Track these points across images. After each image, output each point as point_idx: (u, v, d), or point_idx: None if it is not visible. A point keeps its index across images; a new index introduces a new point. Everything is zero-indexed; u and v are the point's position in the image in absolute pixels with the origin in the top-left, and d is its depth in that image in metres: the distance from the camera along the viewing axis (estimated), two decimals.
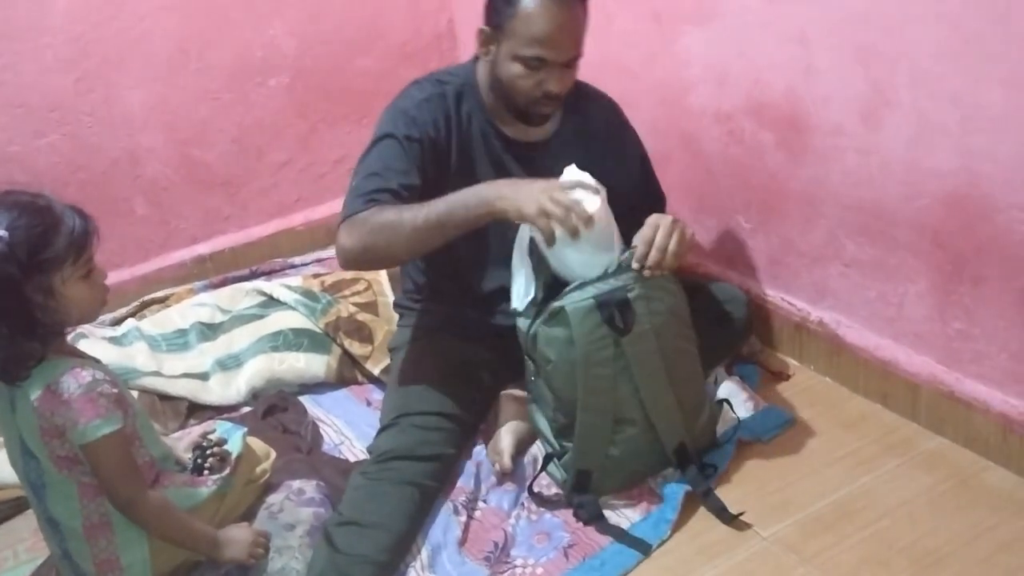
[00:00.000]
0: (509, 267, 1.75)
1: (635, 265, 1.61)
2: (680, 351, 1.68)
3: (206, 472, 1.57)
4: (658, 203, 1.99)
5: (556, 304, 1.62)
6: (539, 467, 1.78)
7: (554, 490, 1.76)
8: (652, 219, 1.65)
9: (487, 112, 1.82)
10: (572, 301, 1.60)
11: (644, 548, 1.62)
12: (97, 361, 1.47)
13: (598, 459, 1.69)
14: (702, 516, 1.70)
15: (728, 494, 1.72)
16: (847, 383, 2.00)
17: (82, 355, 1.46)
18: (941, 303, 1.77)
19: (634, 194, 1.88)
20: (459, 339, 1.89)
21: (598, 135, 1.89)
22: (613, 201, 1.65)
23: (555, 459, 1.74)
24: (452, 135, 1.80)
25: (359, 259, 1.70)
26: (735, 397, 1.90)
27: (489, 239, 1.82)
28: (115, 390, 1.41)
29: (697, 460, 1.74)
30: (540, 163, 1.80)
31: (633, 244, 1.64)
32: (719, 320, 1.91)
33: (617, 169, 1.84)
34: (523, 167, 1.82)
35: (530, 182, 1.62)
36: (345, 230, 1.67)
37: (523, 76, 1.71)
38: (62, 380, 1.37)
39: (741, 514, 1.66)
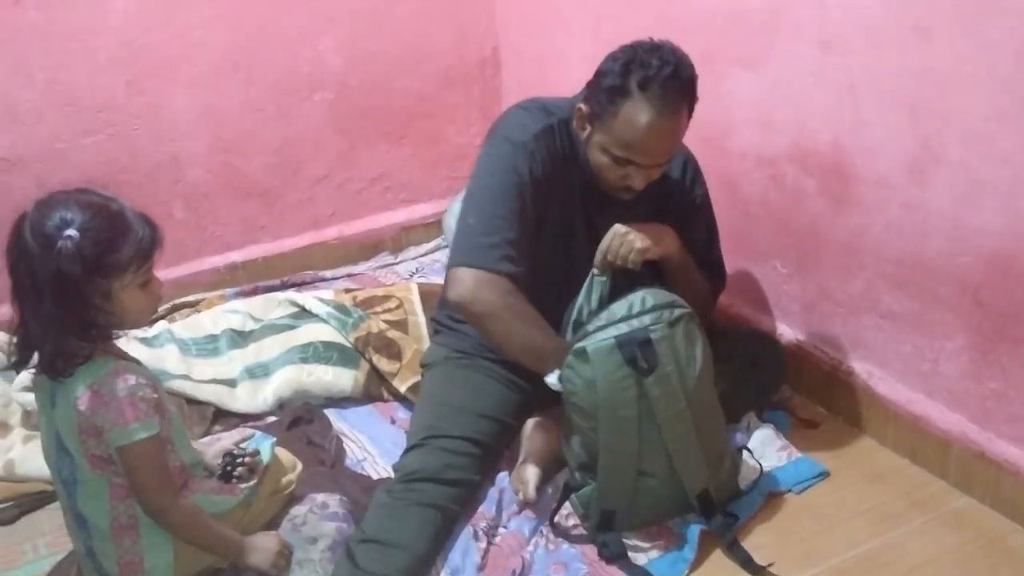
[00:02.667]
0: (554, 300, 1.78)
1: (596, 271, 1.74)
2: (704, 395, 1.67)
3: (234, 480, 1.58)
4: (715, 274, 1.98)
5: (579, 345, 1.62)
6: (560, 499, 1.77)
7: (573, 522, 1.75)
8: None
9: (581, 157, 1.80)
10: (594, 341, 1.61)
11: None
12: (139, 364, 1.48)
13: (622, 499, 1.68)
14: (722, 557, 1.69)
15: (751, 542, 1.71)
16: (876, 436, 1.99)
17: (127, 357, 1.47)
18: (978, 362, 1.76)
19: (696, 255, 1.89)
20: (492, 364, 1.89)
21: (673, 189, 1.89)
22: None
23: (575, 492, 1.74)
24: (557, 172, 1.79)
25: (475, 315, 1.74)
26: (769, 445, 1.89)
27: (539, 272, 1.84)
28: (155, 395, 1.42)
29: (721, 508, 1.72)
30: (617, 208, 1.81)
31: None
32: (753, 365, 1.90)
33: (683, 227, 1.86)
34: (601, 213, 1.83)
35: None
36: (482, 283, 1.69)
37: (609, 168, 1.71)
38: (105, 381, 1.38)
39: (770, 565, 1.64)
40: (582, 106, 1.73)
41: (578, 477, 1.73)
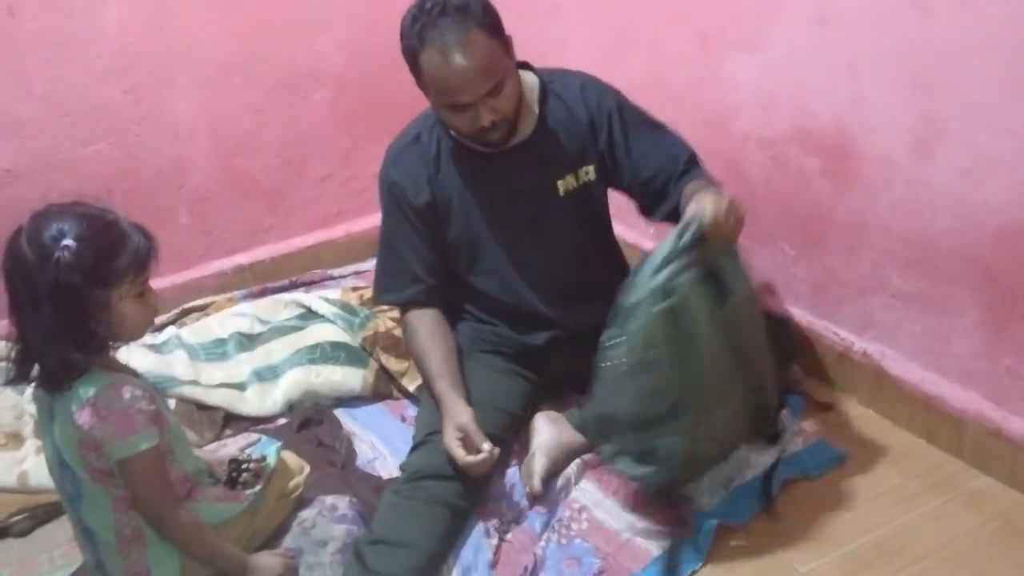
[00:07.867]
0: (533, 289, 1.81)
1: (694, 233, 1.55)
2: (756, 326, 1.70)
3: (240, 486, 1.57)
4: (683, 157, 1.81)
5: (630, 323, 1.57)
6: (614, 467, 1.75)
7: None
8: (699, 198, 1.59)
9: (457, 142, 1.80)
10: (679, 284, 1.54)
11: None
12: (137, 375, 1.48)
13: (699, 439, 1.66)
14: (737, 549, 1.67)
15: (766, 526, 1.70)
16: (890, 416, 1.96)
17: (124, 369, 1.47)
18: (990, 339, 1.73)
19: (651, 157, 1.81)
20: (493, 358, 1.88)
21: (581, 117, 1.83)
22: (632, 174, 1.78)
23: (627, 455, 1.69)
24: (433, 177, 1.82)
25: None
26: (785, 430, 1.86)
27: (513, 268, 1.86)
28: (152, 406, 1.42)
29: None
30: (526, 167, 1.80)
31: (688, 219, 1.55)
32: None
33: (616, 142, 1.82)
34: (504, 177, 1.81)
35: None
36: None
37: (456, 120, 1.71)
38: (103, 394, 1.37)
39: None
40: (416, 80, 1.73)
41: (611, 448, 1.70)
